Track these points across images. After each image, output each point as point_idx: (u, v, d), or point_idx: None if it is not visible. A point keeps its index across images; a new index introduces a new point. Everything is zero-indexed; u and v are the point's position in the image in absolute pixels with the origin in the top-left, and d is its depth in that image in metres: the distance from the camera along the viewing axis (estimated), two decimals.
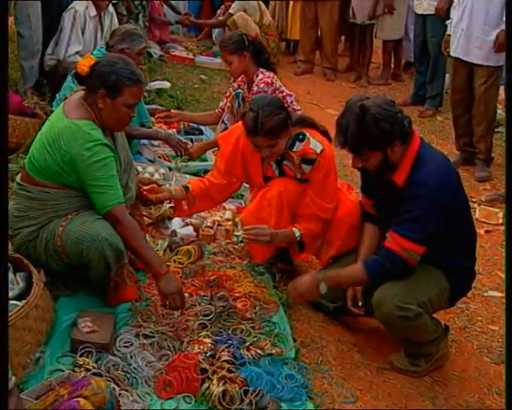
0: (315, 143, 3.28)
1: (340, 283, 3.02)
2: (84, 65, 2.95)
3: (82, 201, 2.94)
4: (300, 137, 3.30)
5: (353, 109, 2.74)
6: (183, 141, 4.72)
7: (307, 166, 3.30)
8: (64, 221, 2.91)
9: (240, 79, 4.83)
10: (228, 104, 4.91)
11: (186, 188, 3.50)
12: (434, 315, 3.01)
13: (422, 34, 6.86)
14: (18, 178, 3.04)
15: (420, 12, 6.83)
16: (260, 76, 4.55)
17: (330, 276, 3.00)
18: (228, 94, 4.99)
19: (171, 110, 5.31)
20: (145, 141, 5.05)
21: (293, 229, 3.30)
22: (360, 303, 3.07)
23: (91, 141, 2.83)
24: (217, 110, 5.09)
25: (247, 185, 3.98)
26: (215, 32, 9.10)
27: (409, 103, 7.30)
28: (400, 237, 2.80)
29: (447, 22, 5.63)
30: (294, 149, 3.30)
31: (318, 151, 3.26)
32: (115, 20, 5.56)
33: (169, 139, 4.67)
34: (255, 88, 4.48)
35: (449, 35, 5.53)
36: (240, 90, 4.80)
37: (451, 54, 5.50)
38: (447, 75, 6.72)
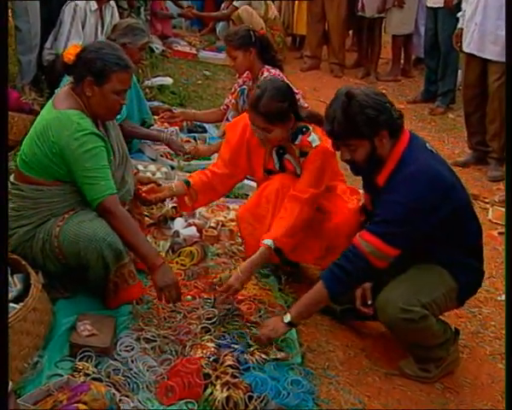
0: (314, 137, 3.28)
1: (308, 312, 2.95)
2: (70, 53, 2.95)
3: (77, 197, 2.95)
4: (304, 130, 3.31)
5: (340, 97, 2.77)
6: (184, 149, 4.75)
7: (302, 158, 3.31)
8: (61, 221, 2.92)
9: (245, 75, 4.84)
10: (232, 101, 4.92)
11: (187, 183, 3.49)
12: (443, 318, 3.00)
13: (433, 28, 6.85)
14: (12, 177, 3.05)
15: (430, 5, 6.82)
16: (266, 73, 4.56)
17: (294, 304, 2.97)
18: (233, 90, 5.00)
19: (175, 109, 5.31)
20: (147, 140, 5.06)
21: (263, 241, 3.17)
22: (370, 302, 3.06)
23: (80, 130, 2.84)
24: (221, 107, 5.10)
25: (253, 185, 3.99)
26: (219, 26, 9.11)
27: (419, 100, 7.30)
28: (365, 231, 2.80)
29: (459, 15, 5.62)
30: (296, 142, 3.31)
31: (314, 145, 3.26)
32: (116, 14, 5.57)
33: (171, 143, 4.72)
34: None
35: (460, 29, 5.52)
36: (245, 87, 4.81)
37: (464, 49, 5.48)
38: (459, 71, 6.71)
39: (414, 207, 2.72)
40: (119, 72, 2.92)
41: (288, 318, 2.88)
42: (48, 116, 2.91)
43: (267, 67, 4.63)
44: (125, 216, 2.92)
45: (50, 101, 3.00)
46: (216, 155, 4.82)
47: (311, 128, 3.31)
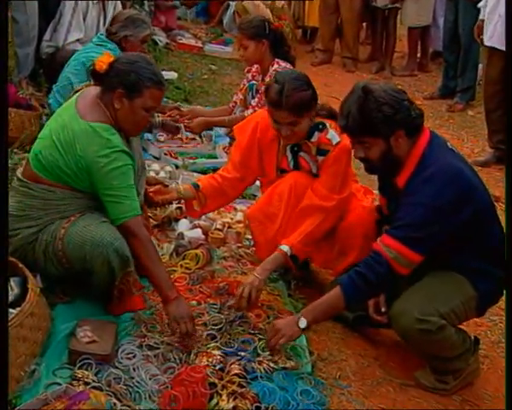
0: (333, 133, 3.28)
1: (323, 317, 2.96)
2: (102, 61, 2.96)
3: (88, 202, 2.96)
4: (320, 126, 3.31)
5: (357, 91, 2.78)
6: (179, 128, 4.81)
7: (321, 157, 3.31)
8: (66, 223, 2.92)
9: (254, 69, 4.85)
10: (241, 97, 4.92)
11: (196, 186, 3.50)
12: (462, 327, 2.99)
13: (453, 20, 6.83)
14: (19, 173, 3.04)
15: None
16: (275, 66, 4.56)
17: (308, 309, 2.94)
18: (241, 86, 5.01)
19: (182, 107, 5.31)
20: (150, 136, 5.08)
21: (280, 247, 3.19)
22: (383, 309, 3.06)
23: (110, 147, 2.84)
24: (230, 104, 5.11)
25: (258, 184, 3.99)
26: (226, 18, 9.15)
27: (436, 96, 7.28)
28: (386, 236, 2.79)
29: (480, 5, 5.59)
30: (312, 140, 3.31)
31: (334, 143, 3.26)
32: (119, 5, 5.60)
33: (165, 124, 4.78)
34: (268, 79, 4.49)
35: (482, 20, 5.50)
36: (254, 82, 4.82)
37: (485, 42, 5.46)
38: (480, 65, 6.69)
39: (436, 207, 2.71)
40: (152, 88, 2.92)
41: (304, 323, 2.85)
42: (74, 126, 2.88)
43: (277, 60, 4.64)
44: (148, 240, 2.93)
45: (73, 106, 2.95)
46: (221, 150, 4.85)
47: (327, 124, 3.31)
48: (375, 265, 2.77)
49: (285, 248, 3.18)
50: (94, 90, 3.00)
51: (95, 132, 2.85)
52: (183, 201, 3.63)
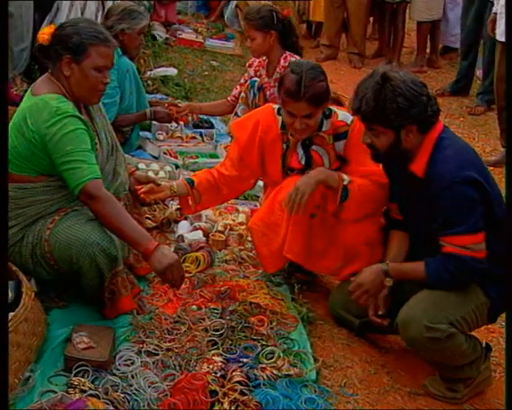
0: (343, 113, 3.30)
1: (404, 277, 3.01)
2: (44, 33, 2.95)
3: (64, 194, 2.95)
4: (326, 113, 3.32)
5: (375, 76, 2.79)
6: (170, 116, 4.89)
7: (340, 142, 3.30)
8: (51, 223, 2.93)
9: (256, 62, 4.85)
10: (242, 94, 4.92)
11: (191, 182, 3.48)
12: (473, 333, 2.98)
13: (475, 17, 6.75)
14: None
15: None
16: (289, 58, 4.55)
17: (395, 269, 2.99)
18: (242, 81, 5.01)
19: (179, 102, 5.33)
20: (149, 135, 5.09)
21: (343, 175, 3.21)
22: (380, 312, 3.05)
23: (59, 114, 2.85)
24: (229, 98, 5.11)
25: (261, 185, 3.99)
26: (227, 12, 9.16)
27: (447, 94, 7.25)
28: (451, 237, 2.79)
29: None
30: (324, 129, 3.31)
31: (349, 122, 3.28)
32: (118, 0, 5.60)
33: (156, 113, 4.83)
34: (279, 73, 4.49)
35: (495, 14, 5.49)
36: (256, 79, 4.82)
37: (498, 38, 5.45)
38: (480, 59, 6.63)
39: (468, 178, 2.73)
40: (97, 45, 2.93)
41: (386, 267, 2.98)
42: (25, 104, 2.92)
43: (288, 53, 4.64)
44: (111, 199, 2.87)
45: (29, 90, 3.01)
46: (222, 149, 4.85)
47: (332, 108, 3.32)
48: (462, 264, 2.79)
49: (345, 176, 3.19)
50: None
51: (43, 103, 2.86)
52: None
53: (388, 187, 3.16)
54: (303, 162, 3.40)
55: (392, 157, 2.91)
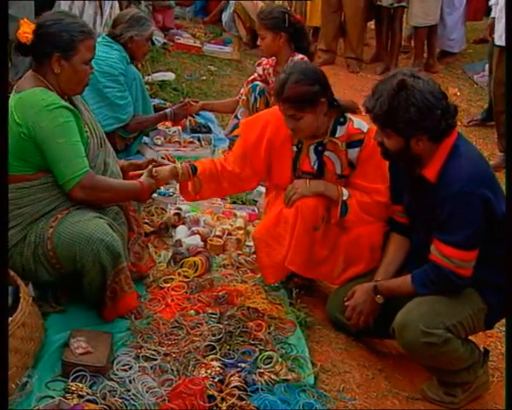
0: (359, 121, 3.30)
1: (393, 293, 3.03)
2: (26, 32, 2.93)
3: (62, 191, 2.95)
4: (341, 120, 3.31)
5: (394, 80, 2.77)
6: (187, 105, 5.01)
7: (354, 149, 3.30)
8: (54, 221, 2.93)
9: (265, 62, 4.88)
10: (243, 97, 4.94)
11: (193, 169, 3.40)
12: (471, 338, 2.98)
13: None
14: None
15: None
16: (295, 58, 4.56)
17: (384, 287, 3.03)
18: (250, 79, 5.02)
19: (191, 101, 5.32)
20: (147, 140, 5.10)
21: (343, 189, 3.28)
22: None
23: (48, 105, 2.85)
24: (238, 97, 5.13)
25: (261, 190, 3.99)
26: (225, 17, 9.16)
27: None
28: (440, 244, 2.81)
29: (491, 2, 5.60)
30: (337, 135, 3.30)
31: (365, 130, 3.27)
32: (116, 4, 5.62)
33: (176, 116, 4.95)
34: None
35: (493, 18, 5.51)
36: (257, 83, 4.84)
37: (496, 42, 5.47)
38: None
39: (477, 197, 2.73)
40: (85, 40, 2.96)
41: (375, 285, 3.04)
42: (11, 103, 2.90)
43: (297, 54, 4.66)
44: (106, 181, 3.02)
45: (13, 89, 3.00)
46: (220, 154, 4.85)
47: (348, 116, 3.31)
48: (442, 275, 2.81)
49: (345, 191, 3.27)
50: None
51: (28, 96, 2.86)
52: (179, 202, 3.59)
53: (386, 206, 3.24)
54: (315, 167, 3.37)
55: (402, 160, 2.91)
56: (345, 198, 3.26)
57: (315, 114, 3.23)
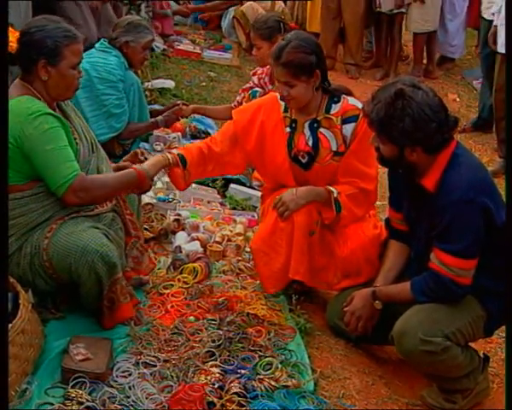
0: (353, 100, 3.34)
1: (392, 300, 3.03)
2: (10, 41, 2.91)
3: (55, 200, 2.94)
4: (335, 99, 3.36)
5: (393, 88, 2.77)
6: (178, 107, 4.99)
7: (349, 124, 3.32)
8: (49, 232, 2.92)
9: (260, 71, 4.88)
10: (243, 103, 4.94)
11: (183, 162, 3.36)
12: (471, 344, 2.98)
13: None
14: None
15: None
16: None
17: (383, 293, 3.04)
18: (246, 87, 5.02)
19: (182, 104, 5.31)
20: (146, 146, 5.10)
21: (331, 188, 3.30)
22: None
23: (32, 113, 2.85)
24: (233, 104, 5.13)
25: (259, 195, 3.98)
26: (225, 23, 9.16)
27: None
28: (440, 252, 2.80)
29: (493, 10, 5.61)
30: (332, 112, 3.34)
31: (359, 106, 3.28)
32: (111, 11, 5.64)
33: (167, 121, 4.95)
34: None
35: (495, 26, 5.52)
36: (257, 89, 4.84)
37: (498, 49, 5.48)
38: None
39: (477, 206, 2.73)
40: (71, 45, 2.95)
41: (374, 291, 3.05)
42: None
43: None
44: (97, 179, 2.99)
45: None
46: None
47: (342, 95, 3.36)
48: (440, 283, 2.81)
49: (332, 189, 3.29)
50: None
51: (13, 105, 2.84)
52: (178, 208, 3.58)
53: (374, 193, 3.33)
54: (310, 144, 3.38)
55: (397, 168, 2.91)
56: (335, 195, 3.29)
57: (308, 84, 3.27)
